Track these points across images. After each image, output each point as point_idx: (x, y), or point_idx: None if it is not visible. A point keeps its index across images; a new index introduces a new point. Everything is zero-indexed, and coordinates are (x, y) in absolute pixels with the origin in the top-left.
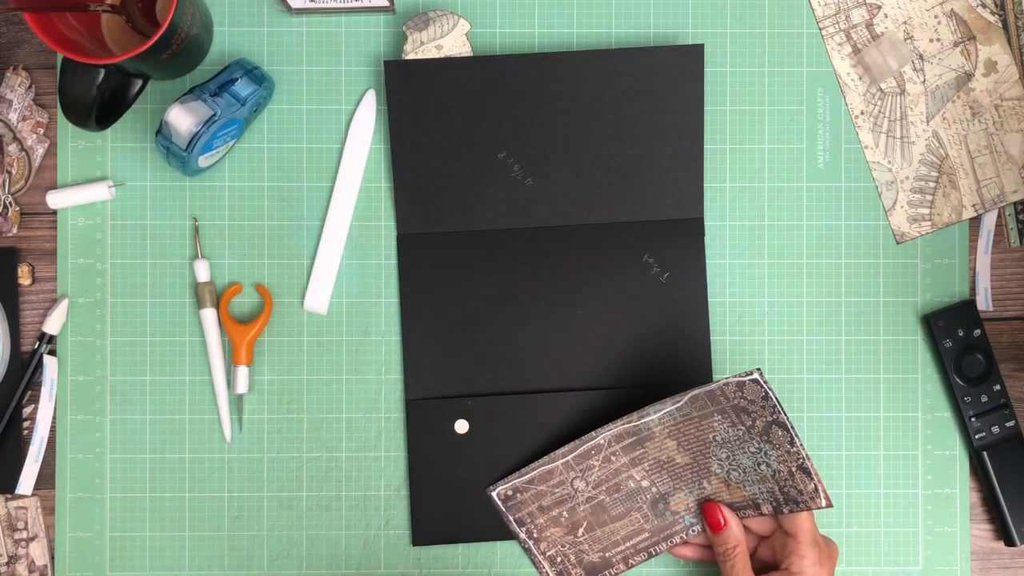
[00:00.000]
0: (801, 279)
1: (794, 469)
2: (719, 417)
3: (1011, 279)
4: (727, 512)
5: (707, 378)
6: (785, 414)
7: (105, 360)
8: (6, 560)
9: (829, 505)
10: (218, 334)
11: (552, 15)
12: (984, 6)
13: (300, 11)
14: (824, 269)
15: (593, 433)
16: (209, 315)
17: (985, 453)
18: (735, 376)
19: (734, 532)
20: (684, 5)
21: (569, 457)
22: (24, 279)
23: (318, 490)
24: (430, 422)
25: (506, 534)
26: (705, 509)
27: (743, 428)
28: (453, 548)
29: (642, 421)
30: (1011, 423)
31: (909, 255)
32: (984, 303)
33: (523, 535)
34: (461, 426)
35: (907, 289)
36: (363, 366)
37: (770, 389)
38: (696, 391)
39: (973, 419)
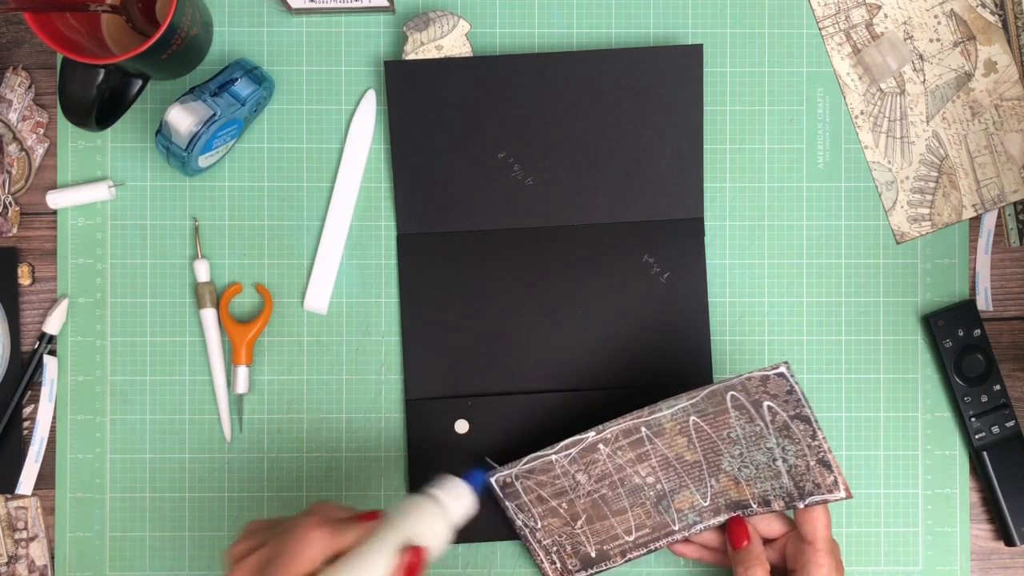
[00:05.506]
0: (801, 279)
1: (813, 463)
2: (736, 413)
3: (1011, 279)
4: (752, 530)
5: (707, 378)
6: (809, 407)
7: (105, 360)
8: (6, 560)
9: (848, 496)
10: (218, 334)
11: (552, 15)
12: (984, 6)
13: (300, 11)
14: (824, 269)
15: (600, 427)
16: (209, 315)
17: (985, 453)
18: (759, 370)
19: (756, 550)
20: (684, 5)
21: (573, 451)
22: (24, 279)
23: (318, 490)
24: (430, 422)
25: (506, 534)
26: (730, 524)
27: (761, 424)
28: (453, 548)
29: (653, 417)
30: (1011, 423)
31: (909, 255)
32: (984, 303)
33: (520, 522)
34: (461, 426)
35: (907, 289)
36: (363, 366)
37: (795, 383)
38: (715, 386)
39: (973, 419)
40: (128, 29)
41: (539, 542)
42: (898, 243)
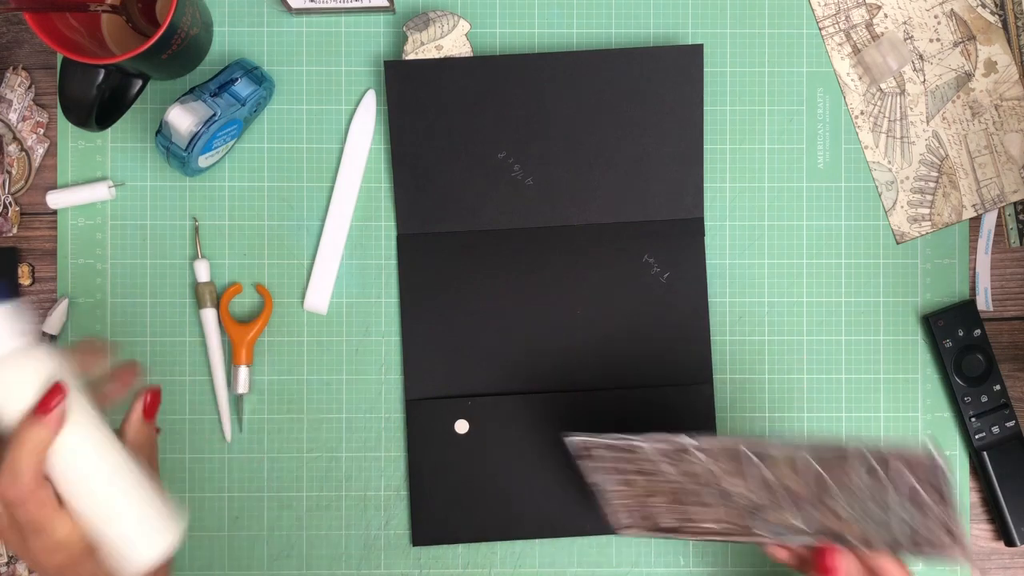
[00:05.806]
0: (801, 279)
1: (933, 527)
2: (862, 470)
3: (1011, 279)
4: (843, 564)
5: (707, 378)
6: (946, 481)
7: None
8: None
9: (968, 561)
10: (218, 334)
11: (552, 15)
12: (984, 6)
13: (300, 11)
14: (824, 269)
15: (697, 434)
16: (209, 315)
17: (985, 453)
18: (906, 451)
19: None
20: (684, 5)
21: (664, 445)
22: (24, 279)
23: (318, 490)
24: (430, 422)
25: (506, 534)
26: (823, 549)
27: (885, 482)
28: (453, 548)
29: (759, 450)
30: (1011, 423)
31: (909, 255)
32: (984, 303)
33: (594, 480)
34: (461, 426)
35: (907, 289)
36: (363, 366)
37: (942, 461)
38: (849, 446)
39: (973, 419)
40: (128, 29)
41: (610, 502)
42: (898, 243)
